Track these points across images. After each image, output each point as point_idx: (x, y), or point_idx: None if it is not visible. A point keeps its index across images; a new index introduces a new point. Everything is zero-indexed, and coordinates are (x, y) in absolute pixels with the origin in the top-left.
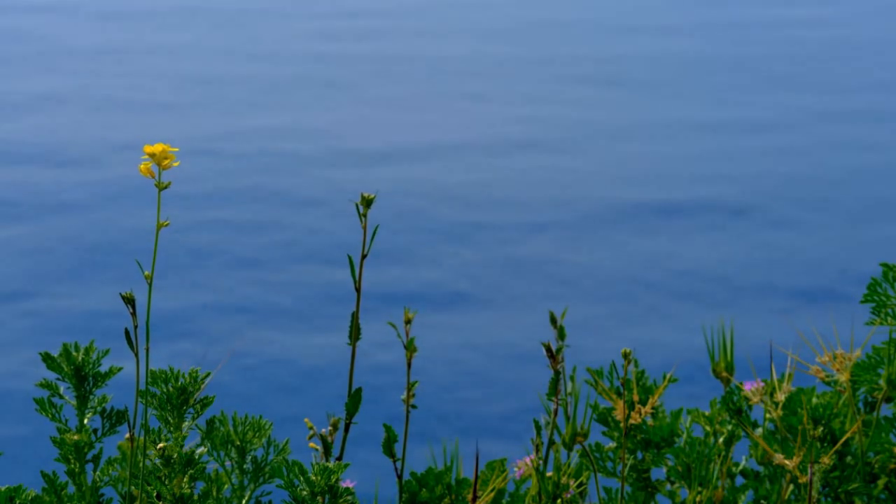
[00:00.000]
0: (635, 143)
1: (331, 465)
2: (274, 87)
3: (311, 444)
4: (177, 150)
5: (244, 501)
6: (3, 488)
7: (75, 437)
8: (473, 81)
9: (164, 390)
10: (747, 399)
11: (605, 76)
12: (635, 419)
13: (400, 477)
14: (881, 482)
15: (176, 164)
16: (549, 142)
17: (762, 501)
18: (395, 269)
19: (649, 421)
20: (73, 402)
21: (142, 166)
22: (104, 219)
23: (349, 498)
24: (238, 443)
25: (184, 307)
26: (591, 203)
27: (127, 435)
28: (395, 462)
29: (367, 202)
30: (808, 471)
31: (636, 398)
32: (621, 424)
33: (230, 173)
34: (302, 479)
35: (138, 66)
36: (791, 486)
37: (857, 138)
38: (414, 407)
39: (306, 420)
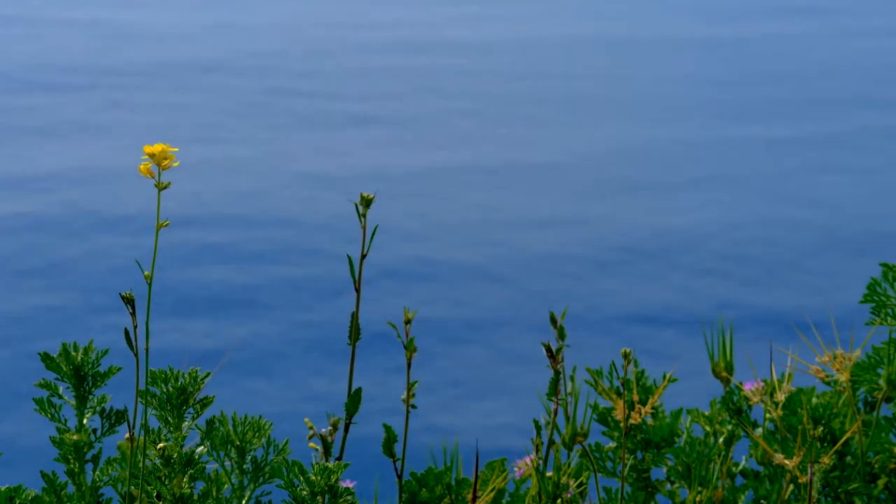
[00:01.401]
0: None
1: (331, 465)
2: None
3: (311, 444)
4: (176, 149)
5: (244, 501)
6: (3, 488)
7: (74, 437)
8: None
9: (164, 390)
10: (747, 399)
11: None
12: (635, 419)
13: (400, 477)
14: (881, 482)
15: (176, 164)
16: None
17: (762, 501)
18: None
19: (649, 421)
20: (73, 401)
21: (141, 166)
22: None
23: (349, 498)
24: (238, 443)
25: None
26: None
27: (127, 435)
28: (394, 462)
29: (367, 202)
30: (808, 471)
31: (636, 398)
32: (621, 424)
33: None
34: (302, 479)
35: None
36: (791, 486)
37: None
38: (414, 407)
39: (306, 420)
